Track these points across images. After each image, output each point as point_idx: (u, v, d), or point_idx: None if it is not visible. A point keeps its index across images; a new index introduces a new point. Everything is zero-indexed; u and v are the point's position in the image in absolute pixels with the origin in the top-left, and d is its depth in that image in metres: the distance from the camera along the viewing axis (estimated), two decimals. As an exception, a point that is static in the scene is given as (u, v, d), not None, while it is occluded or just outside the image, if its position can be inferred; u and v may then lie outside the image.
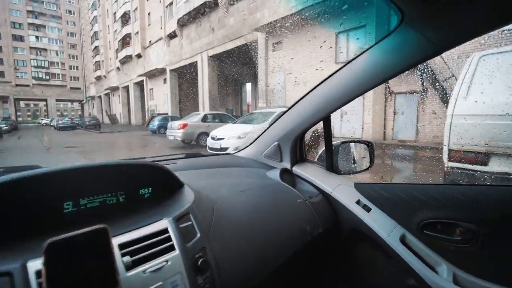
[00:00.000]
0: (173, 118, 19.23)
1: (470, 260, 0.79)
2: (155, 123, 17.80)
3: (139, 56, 29.18)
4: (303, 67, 12.90)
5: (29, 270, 0.34)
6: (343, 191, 0.99)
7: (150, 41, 27.29)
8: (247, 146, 1.30)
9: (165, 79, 25.57)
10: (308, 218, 0.89)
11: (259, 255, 0.67)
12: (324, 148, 1.12)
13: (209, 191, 0.74)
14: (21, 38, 56.64)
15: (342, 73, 0.91)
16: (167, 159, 1.08)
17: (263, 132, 1.24)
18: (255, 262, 0.65)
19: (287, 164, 1.14)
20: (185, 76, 24.97)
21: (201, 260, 0.50)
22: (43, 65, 59.46)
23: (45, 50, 59.90)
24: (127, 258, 0.42)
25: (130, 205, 0.55)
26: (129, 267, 0.42)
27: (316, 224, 0.90)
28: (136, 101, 31.60)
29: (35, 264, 0.35)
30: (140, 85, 30.87)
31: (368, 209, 0.92)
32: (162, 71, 25.13)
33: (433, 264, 0.80)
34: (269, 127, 1.22)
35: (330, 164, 1.09)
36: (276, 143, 1.16)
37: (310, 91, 1.02)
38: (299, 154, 1.17)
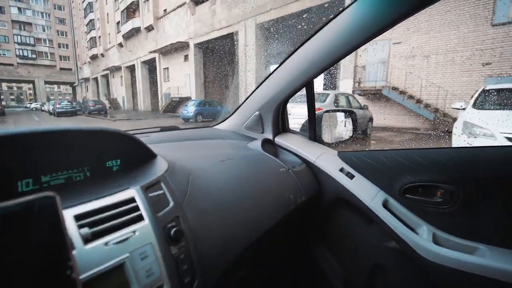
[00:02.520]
0: (211, 103, 15.38)
1: (449, 220, 0.80)
2: (189, 108, 13.96)
3: (149, 28, 24.50)
4: (426, 34, 9.12)
5: None
6: (327, 160, 0.98)
7: (165, 10, 22.63)
8: (227, 118, 1.26)
9: (186, 56, 21.28)
10: (291, 187, 0.88)
11: (241, 224, 0.64)
12: (307, 118, 1.08)
13: (185, 162, 0.70)
14: (0, 10, 49.89)
15: (326, 32, 0.85)
16: (139, 133, 1.01)
17: (243, 102, 1.19)
18: (236, 231, 0.62)
19: (269, 135, 1.12)
20: (214, 52, 20.74)
21: (174, 229, 0.47)
22: (28, 41, 53.05)
23: (30, 24, 53.31)
24: (84, 230, 0.38)
25: (97, 180, 0.51)
26: (87, 239, 0.37)
27: (300, 192, 0.89)
28: (144, 82, 27.16)
29: None
30: (149, 64, 26.37)
31: (351, 176, 0.92)
32: (182, 46, 20.80)
33: (414, 226, 0.82)
34: (248, 97, 1.16)
35: (313, 134, 1.09)
36: (257, 113, 1.13)
37: (291, 54, 0.96)
38: (282, 124, 1.14)
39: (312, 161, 0.99)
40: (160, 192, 0.52)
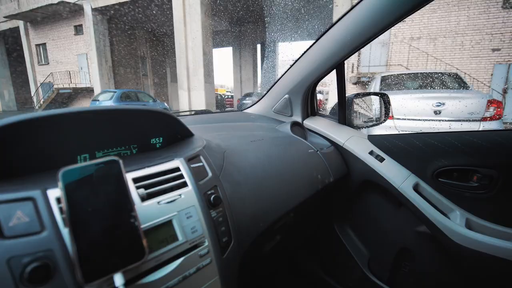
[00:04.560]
0: (140, 97, 10.39)
1: (485, 206, 0.79)
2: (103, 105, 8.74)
3: (2, -21, 15.62)
4: (433, 13, 7.82)
5: (49, 196, 0.36)
6: (356, 143, 0.98)
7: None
8: (257, 102, 1.28)
9: (78, 27, 14.46)
10: (319, 167, 0.88)
11: (270, 199, 0.68)
12: (336, 101, 1.09)
13: (219, 141, 0.74)
14: None
15: (357, 12, 0.82)
16: (177, 114, 1.03)
17: (272, 86, 1.20)
18: (265, 205, 0.66)
19: (298, 118, 1.12)
20: (128, 22, 14.85)
21: (213, 196, 0.52)
22: None
23: None
24: (141, 191, 0.43)
25: (143, 155, 0.56)
26: (144, 198, 0.43)
27: (327, 173, 0.89)
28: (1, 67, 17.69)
29: (54, 192, 0.37)
30: (7, 37, 17.22)
31: (381, 159, 0.91)
32: (70, 12, 13.94)
33: (446, 211, 0.80)
34: (277, 80, 1.16)
35: (343, 117, 1.07)
36: (286, 96, 1.13)
37: (320, 36, 0.94)
38: (310, 107, 1.14)
39: (341, 144, 0.99)
40: (200, 164, 0.56)
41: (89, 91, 14.61)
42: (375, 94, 1.13)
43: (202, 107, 11.06)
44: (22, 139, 0.42)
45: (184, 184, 0.49)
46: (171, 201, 0.46)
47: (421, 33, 8.04)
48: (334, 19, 8.84)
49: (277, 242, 0.81)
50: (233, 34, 16.56)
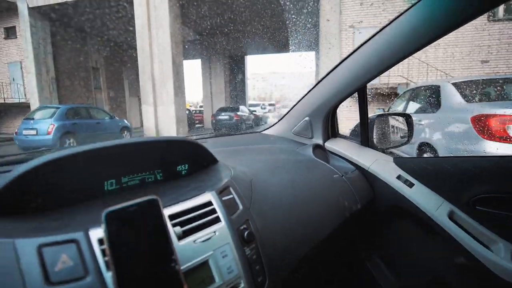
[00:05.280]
0: (93, 113, 8.32)
1: None
2: (42, 125, 6.64)
3: None
4: None
5: (92, 238, 0.37)
6: (382, 166, 0.94)
7: None
8: (275, 124, 1.27)
9: (10, 30, 11.85)
10: (346, 194, 0.85)
11: (299, 231, 0.65)
12: (357, 123, 1.06)
13: (243, 168, 0.73)
14: None
15: (384, 35, 0.81)
16: (198, 138, 1.06)
17: (291, 109, 1.19)
18: (295, 238, 0.63)
19: (318, 140, 1.10)
20: (77, 26, 12.61)
21: (246, 232, 0.50)
22: None
23: None
24: (177, 229, 0.43)
25: (168, 182, 0.57)
26: (180, 237, 0.43)
27: (354, 199, 0.86)
28: None
29: (96, 233, 0.37)
30: None
31: (410, 184, 0.86)
32: (-2, 11, 11.38)
33: (486, 242, 0.75)
34: (297, 102, 1.15)
35: (366, 138, 1.04)
36: (306, 118, 1.11)
37: (343, 61, 0.94)
38: (331, 129, 1.13)
39: (366, 168, 0.95)
40: (230, 196, 0.55)
41: (23, 107, 11.82)
42: (398, 114, 1.11)
43: (172, 124, 9.39)
44: (57, 173, 0.44)
45: (217, 220, 0.48)
46: (207, 240, 0.45)
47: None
48: (323, 32, 7.98)
49: (306, 271, 0.73)
50: (202, 44, 15.26)
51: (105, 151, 0.48)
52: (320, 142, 1.09)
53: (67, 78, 12.50)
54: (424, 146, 3.14)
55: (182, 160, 0.60)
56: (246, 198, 0.58)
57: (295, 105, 1.16)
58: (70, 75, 12.64)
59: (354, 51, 0.88)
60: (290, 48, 18.54)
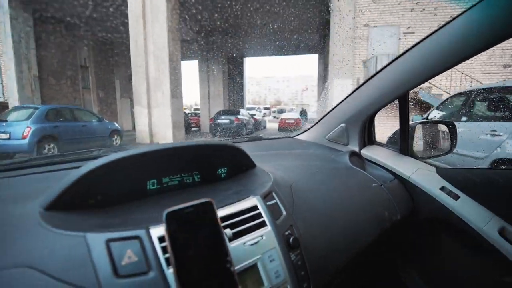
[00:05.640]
0: (78, 115, 7.42)
1: None
2: (16, 128, 5.70)
3: None
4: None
5: (152, 235, 0.39)
6: (424, 176, 0.90)
7: None
8: (308, 129, 1.27)
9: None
10: (385, 203, 0.83)
11: (341, 239, 0.65)
12: (394, 130, 1.05)
13: (282, 173, 0.73)
14: None
15: (431, 42, 0.78)
16: (236, 142, 1.07)
17: (325, 115, 1.19)
18: (337, 246, 0.63)
19: (354, 147, 1.08)
20: (64, 19, 11.67)
21: (292, 237, 0.51)
22: None
23: None
24: (228, 231, 0.44)
25: (207, 184, 0.59)
26: (230, 239, 0.44)
27: (394, 210, 0.83)
28: None
29: (156, 231, 0.39)
30: None
31: (455, 196, 0.82)
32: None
33: None
34: (333, 108, 1.15)
35: (405, 147, 1.00)
36: (342, 125, 1.10)
37: (385, 67, 0.92)
38: (368, 136, 1.10)
39: (406, 177, 0.92)
40: (274, 201, 0.55)
41: (1, 107, 10.73)
42: (440, 122, 1.07)
43: (168, 129, 8.55)
44: (114, 172, 0.47)
45: (263, 224, 0.49)
46: (255, 243, 0.46)
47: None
48: (335, 31, 7.33)
49: (344, 284, 0.75)
50: (200, 44, 14.49)
51: (156, 154, 0.50)
52: (356, 149, 1.06)
53: (51, 76, 11.50)
54: (504, 163, 2.45)
55: (222, 164, 0.62)
56: (288, 203, 0.58)
57: (330, 112, 1.15)
58: (55, 73, 11.63)
59: (399, 56, 0.85)
60: (292, 50, 18.02)
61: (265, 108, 36.90)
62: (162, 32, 8.25)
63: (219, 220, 0.39)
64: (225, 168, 0.62)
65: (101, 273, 0.34)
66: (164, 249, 0.38)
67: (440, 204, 0.82)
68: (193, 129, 14.56)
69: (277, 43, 15.83)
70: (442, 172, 0.88)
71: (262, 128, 16.89)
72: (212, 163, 0.61)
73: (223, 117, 10.34)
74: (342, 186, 0.79)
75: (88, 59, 13.73)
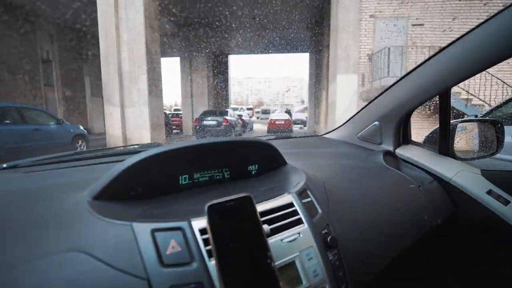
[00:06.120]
0: (31, 116, 5.98)
1: None
2: None
3: None
4: (457, 17, 6.46)
5: (194, 227, 0.39)
6: (467, 178, 0.83)
7: None
8: (337, 128, 1.24)
9: None
10: (424, 206, 0.78)
11: (380, 241, 0.62)
12: (433, 129, 1.01)
13: (314, 171, 0.70)
14: None
15: (477, 34, 0.73)
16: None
17: (357, 112, 1.15)
18: (376, 248, 0.61)
19: (388, 147, 1.03)
20: (17, 8, 9.97)
21: (329, 236, 0.49)
22: None
23: None
24: (265, 226, 0.43)
25: (237, 181, 0.60)
26: (268, 235, 0.43)
27: (434, 213, 0.78)
28: None
29: (197, 223, 0.39)
30: None
31: (505, 202, 0.76)
32: None
33: None
34: (365, 106, 1.10)
35: (445, 146, 0.92)
36: (376, 123, 1.05)
37: (425, 61, 0.87)
38: (403, 135, 1.05)
39: (446, 179, 0.86)
40: (309, 199, 0.54)
41: None
42: (486, 121, 1.00)
43: (145, 131, 7.32)
44: (153, 166, 0.48)
45: (299, 222, 0.48)
46: (292, 240, 0.45)
47: (441, 41, 6.53)
48: (339, 22, 6.34)
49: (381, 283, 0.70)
50: (182, 39, 13.22)
51: (188, 150, 0.52)
52: (391, 148, 1.02)
53: (5, 70, 9.78)
54: None
55: (252, 160, 0.62)
56: (323, 202, 0.57)
57: (362, 109, 1.11)
58: (10, 68, 9.92)
59: (440, 51, 0.81)
60: (280, 48, 17.20)
61: (248, 109, 35.86)
62: (138, 18, 7.02)
63: (258, 215, 0.40)
64: (256, 165, 0.63)
65: (148, 261, 0.36)
66: (205, 241, 0.38)
67: (487, 210, 0.76)
68: (174, 131, 13.24)
69: (265, 40, 14.92)
70: (488, 174, 0.82)
71: (249, 130, 15.87)
72: (243, 159, 0.61)
73: (209, 118, 9.22)
74: (376, 187, 0.76)
75: (52, 52, 12.02)
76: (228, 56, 18.33)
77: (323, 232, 0.49)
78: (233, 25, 12.77)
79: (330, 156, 0.95)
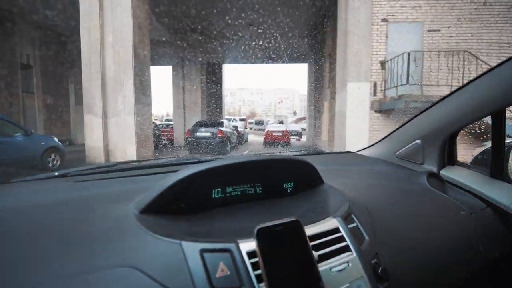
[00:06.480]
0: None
1: None
2: None
3: None
4: (480, 23, 5.99)
5: (242, 250, 0.38)
6: None
7: None
8: (372, 145, 1.17)
9: None
10: (477, 235, 0.71)
11: (433, 274, 0.57)
12: (481, 149, 1.02)
13: (351, 191, 0.66)
14: None
15: None
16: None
17: (396, 130, 1.09)
18: (430, 282, 0.55)
19: (431, 167, 0.95)
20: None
21: (380, 268, 0.45)
22: None
23: None
24: (313, 253, 0.41)
25: (272, 198, 0.57)
26: (316, 262, 0.41)
27: (491, 245, 0.71)
28: None
29: (245, 245, 0.38)
30: None
31: None
32: None
33: None
34: (405, 123, 1.04)
35: (499, 169, 0.84)
36: (418, 141, 0.98)
37: (476, 78, 0.81)
38: (448, 155, 0.97)
39: (502, 206, 0.76)
40: (354, 224, 0.51)
41: None
42: None
43: (130, 144, 6.44)
44: (198, 181, 0.49)
45: (346, 249, 0.45)
46: (341, 270, 0.42)
47: (458, 46, 6.00)
48: (348, 27, 5.83)
49: None
50: (175, 47, 12.54)
51: (235, 166, 0.52)
52: (434, 169, 0.94)
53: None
54: None
55: (288, 178, 0.60)
56: (368, 227, 0.53)
57: (401, 127, 1.05)
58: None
59: (494, 67, 0.74)
60: (277, 58, 16.72)
61: (240, 120, 35.22)
62: (125, 18, 6.28)
63: (308, 241, 0.38)
64: (291, 183, 0.61)
65: (198, 283, 0.35)
66: (253, 265, 0.37)
67: None
68: (164, 142, 12.33)
69: (262, 49, 14.41)
70: None
71: (244, 141, 15.08)
72: (277, 176, 0.59)
73: (203, 130, 8.39)
74: (422, 211, 0.70)
75: (33, 56, 11.11)
76: (223, 65, 17.75)
77: (373, 261, 0.46)
78: (228, 33, 12.22)
79: (366, 175, 0.90)
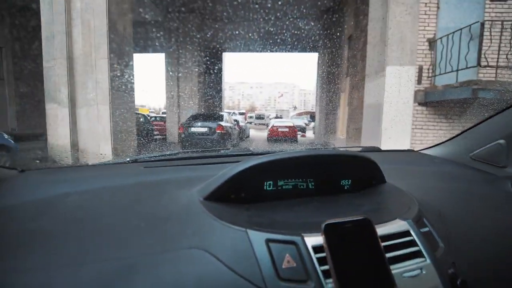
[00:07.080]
0: None
1: None
2: None
3: None
4: None
5: (307, 244, 0.38)
6: None
7: None
8: (440, 144, 1.08)
9: None
10: None
11: None
12: None
13: (419, 193, 0.61)
14: None
15: None
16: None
17: (471, 127, 0.97)
18: None
19: None
20: None
21: (459, 279, 0.42)
22: None
23: None
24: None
25: (327, 194, 0.56)
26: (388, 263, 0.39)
27: None
28: None
29: (310, 240, 0.38)
30: None
31: None
32: None
33: None
34: (485, 119, 0.93)
35: None
36: (501, 141, 0.86)
37: None
38: None
39: None
40: (427, 229, 0.48)
41: None
42: None
43: (105, 140, 5.05)
44: (257, 173, 0.50)
45: (418, 255, 0.43)
46: (415, 276, 0.40)
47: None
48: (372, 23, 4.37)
49: None
50: (168, 29, 11.01)
51: (295, 160, 0.52)
52: None
53: None
54: None
55: (346, 174, 0.59)
56: (442, 234, 0.50)
57: (478, 124, 0.95)
58: None
59: None
60: (284, 46, 15.22)
61: (240, 114, 33.65)
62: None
63: (380, 242, 0.37)
64: (349, 180, 0.59)
65: (265, 271, 0.35)
66: (319, 260, 0.37)
67: None
68: (155, 137, 10.90)
69: (268, 36, 12.90)
70: None
71: (246, 137, 13.67)
72: (334, 172, 0.58)
73: (199, 124, 6.98)
74: (504, 221, 0.63)
75: (3, 36, 9.58)
76: (223, 53, 16.22)
77: (449, 271, 0.43)
78: (230, 15, 10.71)
79: (434, 176, 0.84)
